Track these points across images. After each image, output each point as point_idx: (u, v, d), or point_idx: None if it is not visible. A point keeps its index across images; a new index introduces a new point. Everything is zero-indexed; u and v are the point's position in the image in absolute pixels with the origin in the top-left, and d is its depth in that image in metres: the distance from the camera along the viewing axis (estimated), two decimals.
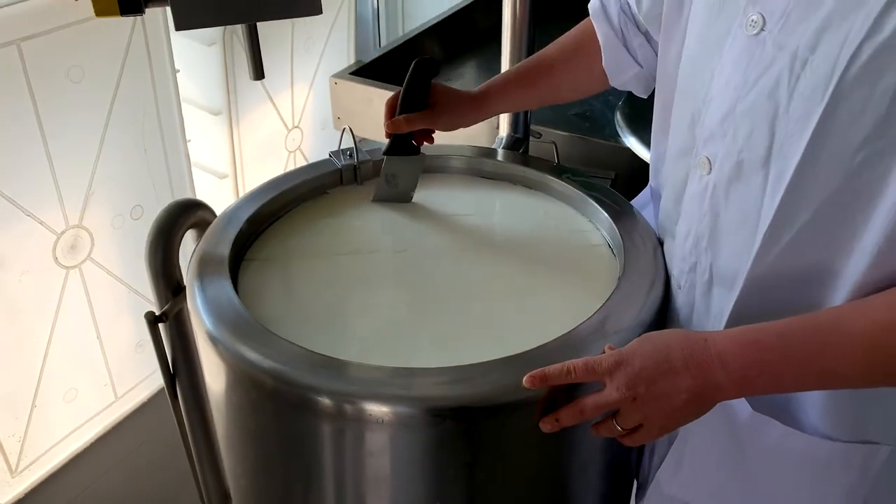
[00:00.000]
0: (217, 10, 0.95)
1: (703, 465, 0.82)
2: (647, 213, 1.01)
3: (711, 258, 0.76)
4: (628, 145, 1.37)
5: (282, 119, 1.63)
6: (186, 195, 1.36)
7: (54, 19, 1.05)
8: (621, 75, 1.02)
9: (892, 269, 0.62)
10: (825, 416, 0.71)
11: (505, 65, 1.22)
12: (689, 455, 0.82)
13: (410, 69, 1.00)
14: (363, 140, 1.75)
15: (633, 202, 1.04)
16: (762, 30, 0.66)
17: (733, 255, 0.73)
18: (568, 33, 1.06)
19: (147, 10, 0.99)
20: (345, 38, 1.73)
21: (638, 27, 0.97)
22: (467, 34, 1.95)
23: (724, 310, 0.74)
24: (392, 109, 1.02)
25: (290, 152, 1.70)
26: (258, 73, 1.07)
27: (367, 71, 1.66)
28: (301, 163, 1.74)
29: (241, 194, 1.62)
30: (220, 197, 1.57)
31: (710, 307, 0.78)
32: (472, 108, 1.05)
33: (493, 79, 1.07)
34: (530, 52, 1.20)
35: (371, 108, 1.60)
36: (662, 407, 0.66)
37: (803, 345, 0.64)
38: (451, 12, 1.97)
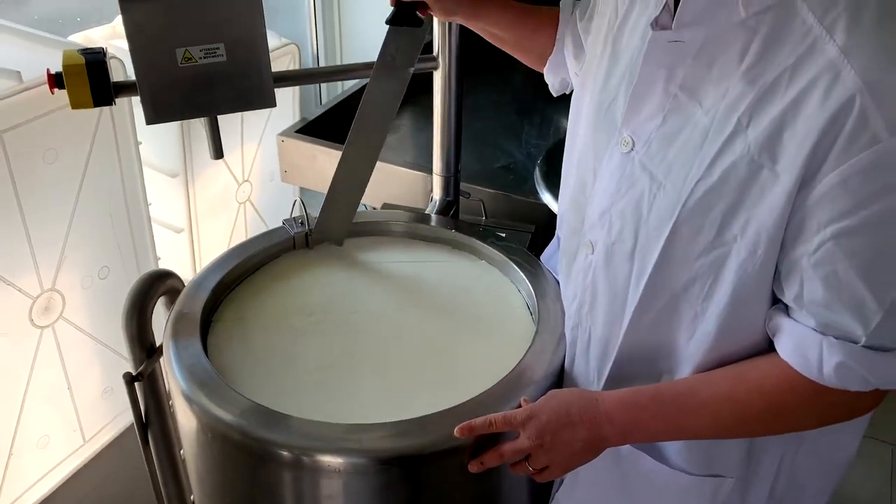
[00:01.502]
0: (182, 106, 1.08)
1: (593, 486, 1.00)
2: (556, 260, 1.16)
3: (590, 323, 0.95)
4: (545, 202, 1.55)
5: (233, 174, 1.77)
6: (148, 254, 1.48)
7: (32, 110, 1.17)
8: (556, 70, 1.13)
9: (727, 351, 0.81)
10: (682, 454, 0.90)
11: (437, 111, 1.33)
12: (583, 478, 1.00)
13: None
14: (307, 190, 1.89)
15: (546, 250, 1.22)
16: (632, 150, 0.83)
17: (607, 324, 0.91)
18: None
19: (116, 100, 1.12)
20: (290, 98, 1.87)
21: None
22: None
23: (602, 368, 0.93)
24: None
25: (241, 203, 1.83)
26: (218, 154, 1.20)
27: (310, 128, 1.80)
28: (251, 212, 1.87)
29: (197, 246, 1.75)
30: (177, 250, 1.69)
31: (589, 361, 0.96)
32: (468, 2, 1.08)
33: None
34: (460, 95, 1.32)
35: (316, 163, 1.74)
36: (564, 452, 0.84)
37: (668, 407, 0.83)
38: None
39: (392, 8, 1.08)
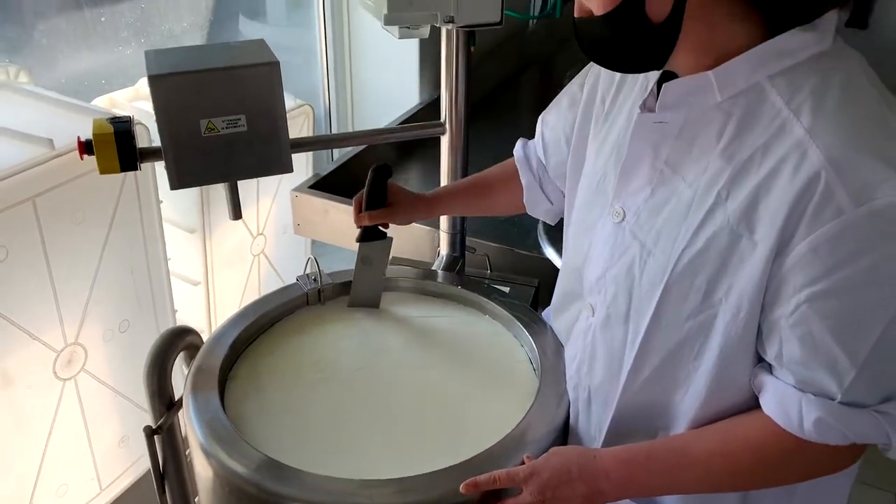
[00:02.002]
0: (205, 172, 1.14)
1: None
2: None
3: (590, 382, 1.01)
4: (548, 256, 1.61)
5: (248, 228, 1.83)
6: (166, 307, 1.54)
7: (63, 174, 1.24)
8: (536, 209, 1.28)
9: (718, 407, 0.86)
10: None
11: (444, 171, 1.40)
12: None
13: (370, 174, 1.22)
14: (320, 243, 1.96)
15: (548, 309, 1.27)
16: (623, 220, 0.91)
17: (604, 383, 0.97)
18: (507, 161, 1.29)
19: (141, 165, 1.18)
20: (304, 154, 1.94)
21: (550, 176, 1.22)
22: (410, 142, 2.18)
23: (602, 424, 0.98)
24: (359, 206, 1.24)
25: (255, 256, 1.90)
26: (237, 215, 1.27)
27: (323, 184, 1.87)
28: (265, 264, 1.93)
29: (212, 298, 1.81)
30: (193, 302, 1.75)
31: (591, 418, 1.01)
32: (423, 209, 1.28)
33: (442, 187, 1.34)
34: (466, 157, 1.40)
35: (327, 218, 1.81)
36: None
37: (662, 463, 0.88)
38: (394, 124, 2.21)
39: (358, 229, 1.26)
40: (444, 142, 1.37)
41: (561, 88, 1.21)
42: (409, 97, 2.37)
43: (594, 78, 1.05)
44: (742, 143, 0.79)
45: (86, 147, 1.12)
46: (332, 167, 1.93)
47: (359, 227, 1.25)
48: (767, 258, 0.76)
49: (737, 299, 0.80)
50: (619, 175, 0.91)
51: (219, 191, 1.25)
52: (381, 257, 1.29)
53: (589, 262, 0.98)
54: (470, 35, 1.28)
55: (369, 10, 1.23)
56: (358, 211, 1.24)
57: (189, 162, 1.12)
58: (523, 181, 1.25)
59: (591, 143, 1.02)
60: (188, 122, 1.09)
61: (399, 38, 1.22)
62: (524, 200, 1.27)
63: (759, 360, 0.84)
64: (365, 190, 1.23)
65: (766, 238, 0.76)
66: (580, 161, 1.06)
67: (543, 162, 1.21)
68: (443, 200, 1.30)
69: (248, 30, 2.27)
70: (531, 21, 3.21)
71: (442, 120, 1.35)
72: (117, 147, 1.12)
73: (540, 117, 1.23)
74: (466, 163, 1.40)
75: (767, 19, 0.78)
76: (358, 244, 1.27)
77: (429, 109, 2.30)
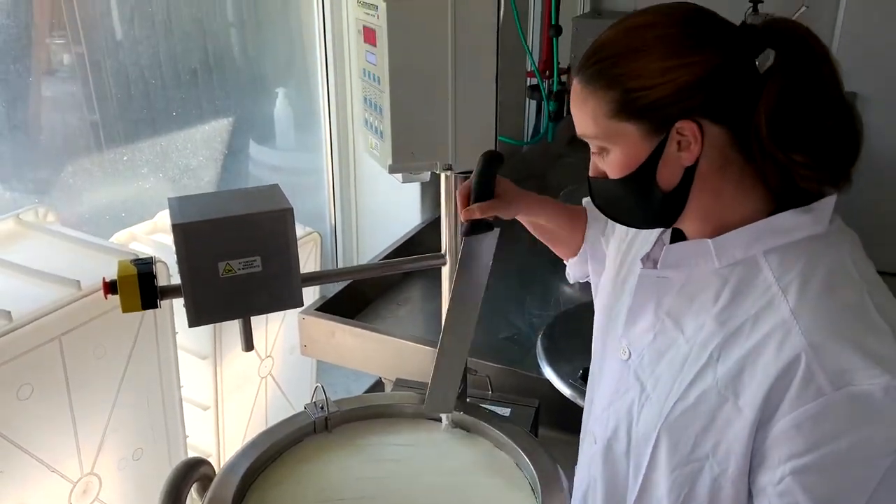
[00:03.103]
0: (222, 310, 1.22)
1: None
2: None
3: None
4: (547, 377, 1.66)
5: (257, 352, 1.90)
6: (178, 434, 1.59)
7: (87, 313, 1.32)
8: (575, 267, 1.30)
9: None
10: None
11: (444, 299, 1.43)
12: None
13: (479, 162, 1.14)
14: (325, 363, 2.01)
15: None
16: (629, 358, 0.97)
17: None
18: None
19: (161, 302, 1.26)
20: None
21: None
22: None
23: None
24: (466, 198, 1.14)
25: (263, 378, 1.95)
26: (249, 348, 1.33)
27: (329, 305, 1.95)
28: (272, 386, 1.99)
29: (222, 422, 1.86)
30: (203, 426, 1.80)
31: None
32: (529, 204, 1.23)
33: (549, 199, 1.28)
34: None
35: (334, 339, 1.88)
36: None
37: None
38: (398, 244, 2.31)
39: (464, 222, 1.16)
40: (445, 273, 1.46)
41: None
42: (411, 215, 2.48)
43: None
44: (735, 309, 0.84)
45: (110, 287, 1.20)
46: (337, 289, 2.02)
47: (466, 220, 1.13)
48: (752, 425, 0.80)
49: (724, 457, 0.84)
50: (626, 317, 0.97)
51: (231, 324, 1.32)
52: (488, 250, 1.19)
53: (598, 390, 1.04)
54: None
55: (375, 159, 1.35)
56: (465, 203, 1.13)
57: (207, 301, 1.19)
58: (589, 231, 1.26)
59: (615, 273, 1.07)
60: (208, 264, 1.17)
61: (402, 183, 1.33)
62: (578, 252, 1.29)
63: None
64: (473, 180, 1.13)
65: (751, 406, 0.80)
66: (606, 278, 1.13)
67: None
68: (542, 203, 1.26)
69: (259, 154, 2.40)
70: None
71: (442, 251, 1.44)
72: (140, 287, 1.19)
73: None
74: None
75: (774, 194, 0.85)
76: (464, 239, 1.17)
77: (430, 229, 2.40)
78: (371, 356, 1.85)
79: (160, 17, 1.88)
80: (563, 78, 2.66)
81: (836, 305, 0.79)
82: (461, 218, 1.15)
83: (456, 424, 1.40)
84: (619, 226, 1.11)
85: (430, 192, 2.47)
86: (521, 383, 1.70)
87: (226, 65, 2.12)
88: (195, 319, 1.22)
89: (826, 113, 0.80)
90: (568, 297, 2.14)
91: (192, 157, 2.03)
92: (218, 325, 1.71)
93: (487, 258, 1.21)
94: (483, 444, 1.35)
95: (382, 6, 1.16)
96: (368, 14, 1.24)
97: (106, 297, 1.19)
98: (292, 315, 1.97)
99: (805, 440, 0.77)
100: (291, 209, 1.21)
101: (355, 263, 2.39)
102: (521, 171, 3.08)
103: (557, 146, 3.50)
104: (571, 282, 1.36)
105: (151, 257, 1.24)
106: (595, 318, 1.13)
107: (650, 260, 0.96)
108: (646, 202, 0.87)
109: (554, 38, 2.55)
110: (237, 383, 1.85)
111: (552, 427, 1.67)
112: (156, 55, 1.87)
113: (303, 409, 1.39)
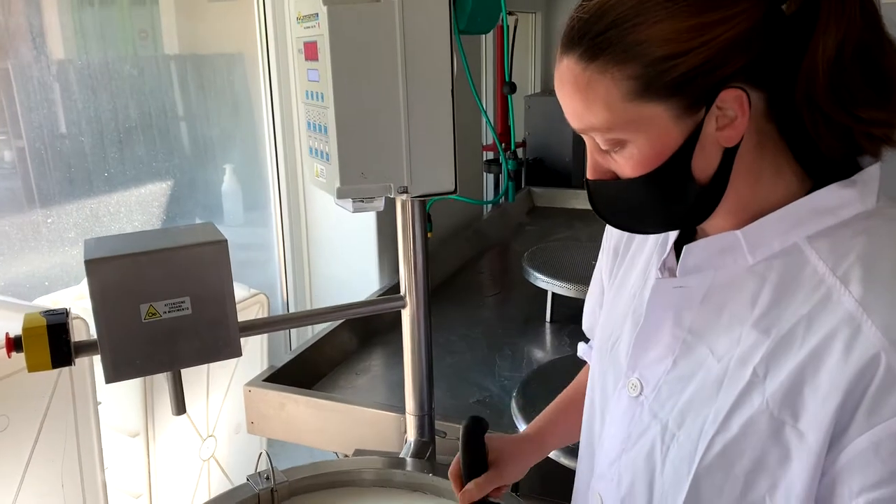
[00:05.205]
0: (145, 361, 1.06)
1: None
2: None
3: None
4: None
5: (196, 430, 1.69)
6: None
7: None
8: None
9: None
10: None
11: (406, 347, 1.31)
12: None
13: (462, 433, 0.98)
14: (275, 441, 1.81)
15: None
16: (641, 394, 0.78)
17: None
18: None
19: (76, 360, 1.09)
20: (258, 346, 1.85)
21: None
22: (372, 325, 2.11)
23: None
24: (458, 478, 0.99)
25: (205, 461, 1.73)
26: (180, 410, 1.16)
27: (278, 376, 1.76)
28: (215, 469, 1.77)
29: None
30: None
31: None
32: (531, 451, 1.04)
33: (539, 417, 1.10)
34: (429, 330, 1.30)
35: (283, 412, 1.68)
36: None
37: None
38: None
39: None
40: (406, 316, 1.31)
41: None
42: (368, 285, 2.33)
43: (608, 233, 0.97)
44: (781, 312, 0.69)
45: (14, 344, 1.04)
46: (288, 357, 1.83)
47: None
48: (819, 452, 0.64)
49: (783, 498, 0.67)
50: (634, 342, 0.80)
51: (164, 389, 1.14)
52: None
53: (601, 443, 0.85)
54: (425, 215, 1.26)
55: (321, 186, 1.21)
56: (459, 483, 0.99)
57: (127, 351, 1.05)
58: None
59: (605, 308, 0.92)
60: (127, 307, 1.03)
61: (353, 212, 1.19)
62: None
63: None
64: (461, 454, 0.98)
65: (816, 427, 0.64)
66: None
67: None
68: (548, 432, 1.08)
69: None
70: (485, 207, 3.31)
71: (402, 293, 1.29)
72: (49, 340, 1.04)
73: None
74: (430, 338, 1.33)
75: (808, 170, 0.71)
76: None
77: (388, 294, 2.25)
78: (327, 429, 1.66)
79: (94, 68, 1.76)
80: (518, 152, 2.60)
81: None
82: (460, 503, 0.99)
83: (427, 489, 1.21)
84: (607, 250, 0.97)
85: (388, 261, 2.34)
86: None
87: (168, 126, 2.00)
88: (113, 373, 1.06)
89: (886, 55, 0.66)
90: (539, 359, 1.99)
91: (127, 222, 1.87)
92: (149, 395, 1.51)
93: None
94: None
95: (323, 10, 1.06)
96: (309, 27, 1.14)
97: (10, 356, 1.03)
98: (236, 389, 1.78)
99: (885, 465, 0.62)
100: (225, 241, 1.07)
101: (310, 336, 2.21)
102: (483, 238, 2.99)
103: (517, 212, 3.44)
104: None
105: (66, 309, 1.08)
106: (591, 365, 0.96)
107: (666, 269, 0.80)
108: (675, 200, 0.71)
109: (509, 97, 2.51)
110: (174, 467, 1.63)
111: (536, 495, 1.49)
112: (87, 108, 1.74)
113: (245, 481, 1.19)
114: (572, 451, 1.15)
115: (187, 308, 1.05)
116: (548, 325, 2.18)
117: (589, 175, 0.75)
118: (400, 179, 1.14)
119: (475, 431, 0.98)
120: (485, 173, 3.49)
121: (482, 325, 2.22)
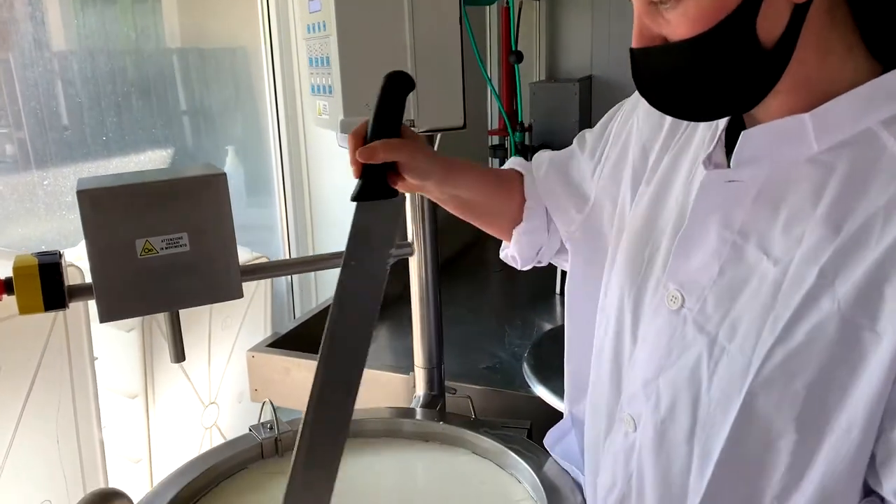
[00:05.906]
0: (141, 300, 1.01)
1: None
2: (569, 441, 1.01)
3: None
4: (538, 395, 1.43)
5: (198, 396, 1.64)
6: (99, 486, 1.32)
7: None
8: (523, 242, 1.02)
9: None
10: None
11: (415, 295, 1.26)
12: None
13: (383, 84, 0.79)
14: (280, 408, 1.76)
15: (552, 431, 1.06)
16: (682, 306, 0.71)
17: None
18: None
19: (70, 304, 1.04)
20: (261, 314, 1.80)
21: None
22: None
23: None
24: (361, 139, 0.80)
25: (207, 429, 1.68)
26: (179, 357, 1.10)
27: (283, 342, 1.72)
28: (217, 439, 1.72)
29: (155, 479, 1.57)
30: (133, 483, 1.51)
31: None
32: (440, 170, 0.89)
33: (467, 161, 0.97)
34: (439, 313, 1.28)
35: (288, 378, 1.63)
36: None
37: None
38: None
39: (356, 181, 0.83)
40: (413, 265, 1.26)
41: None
42: None
43: (624, 125, 0.89)
44: (852, 206, 0.62)
45: (6, 286, 0.99)
46: (293, 324, 1.78)
47: (361, 164, 0.80)
48: (894, 358, 0.58)
49: (849, 411, 0.61)
50: (676, 248, 0.73)
51: (164, 349, 1.09)
52: (389, 227, 0.84)
53: (632, 364, 0.78)
54: None
55: (324, 125, 1.16)
56: (360, 142, 0.80)
57: (122, 288, 0.99)
58: (538, 186, 0.99)
59: (636, 204, 0.84)
60: (121, 242, 0.98)
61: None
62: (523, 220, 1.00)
63: (868, 493, 0.64)
64: (375, 107, 0.80)
65: (895, 329, 0.58)
66: (599, 226, 0.91)
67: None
68: (464, 168, 0.93)
69: None
70: None
71: (409, 240, 1.24)
72: (41, 281, 0.99)
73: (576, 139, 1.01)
74: (439, 287, 1.28)
75: (873, 50, 0.65)
76: (355, 205, 0.82)
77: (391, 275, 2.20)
78: None
79: (94, 27, 1.72)
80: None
81: None
82: (352, 166, 0.81)
83: (437, 437, 1.15)
84: (626, 139, 0.87)
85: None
86: (508, 405, 1.48)
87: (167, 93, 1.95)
88: (106, 312, 1.01)
89: None
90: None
91: None
92: (148, 355, 1.45)
93: (387, 241, 0.84)
94: (469, 455, 1.11)
95: None
96: None
97: (0, 298, 0.97)
98: (239, 356, 1.72)
99: None
100: (224, 174, 1.02)
101: (314, 306, 2.15)
102: None
103: None
104: (520, 268, 1.08)
105: (58, 251, 1.03)
106: (609, 277, 0.86)
107: (711, 164, 0.73)
108: (735, 67, 0.64)
109: (515, 65, 2.46)
110: (175, 433, 1.58)
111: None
112: (85, 69, 1.69)
113: (248, 431, 1.14)
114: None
115: (185, 244, 1.00)
116: (557, 297, 2.13)
117: (634, 43, 0.67)
118: (406, 112, 1.09)
119: (397, 85, 0.78)
120: (490, 158, 3.45)
121: (492, 298, 2.19)
